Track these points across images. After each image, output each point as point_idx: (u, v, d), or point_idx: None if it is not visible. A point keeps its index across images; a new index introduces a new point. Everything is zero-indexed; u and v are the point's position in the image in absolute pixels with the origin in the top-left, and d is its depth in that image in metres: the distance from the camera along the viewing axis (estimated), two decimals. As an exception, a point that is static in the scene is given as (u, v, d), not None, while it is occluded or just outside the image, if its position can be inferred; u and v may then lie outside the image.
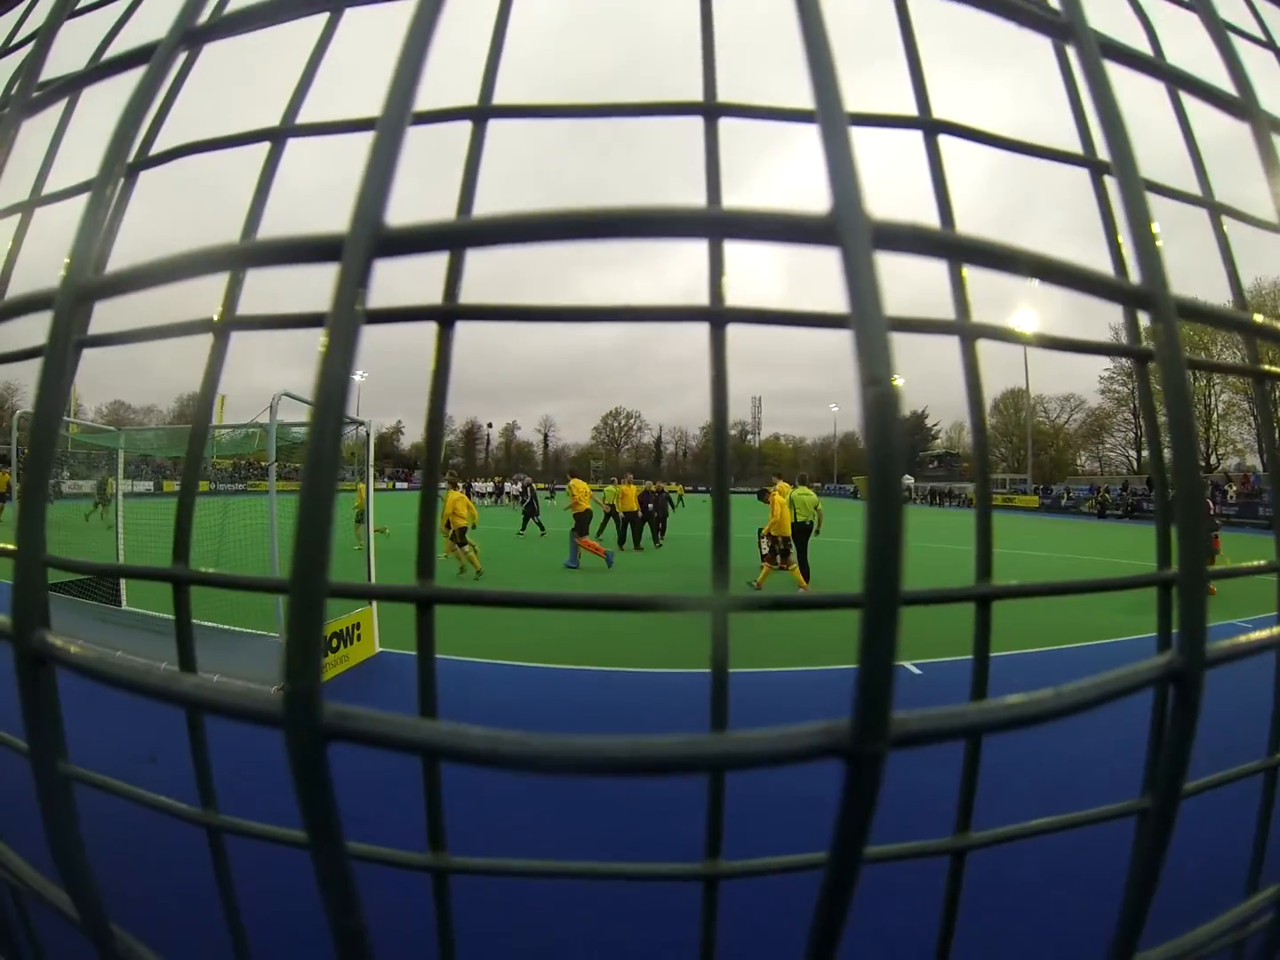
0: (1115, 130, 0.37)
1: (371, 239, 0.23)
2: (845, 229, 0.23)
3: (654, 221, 0.23)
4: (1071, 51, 0.49)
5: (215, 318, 0.44)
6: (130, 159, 0.56)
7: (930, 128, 0.54)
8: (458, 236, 0.23)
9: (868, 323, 0.21)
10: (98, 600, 7.11)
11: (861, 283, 0.22)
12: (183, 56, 0.59)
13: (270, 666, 5.06)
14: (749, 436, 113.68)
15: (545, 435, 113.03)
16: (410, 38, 0.26)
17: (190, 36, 0.41)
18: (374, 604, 5.89)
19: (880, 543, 0.19)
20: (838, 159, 0.24)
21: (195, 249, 0.27)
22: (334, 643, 5.66)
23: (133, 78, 0.44)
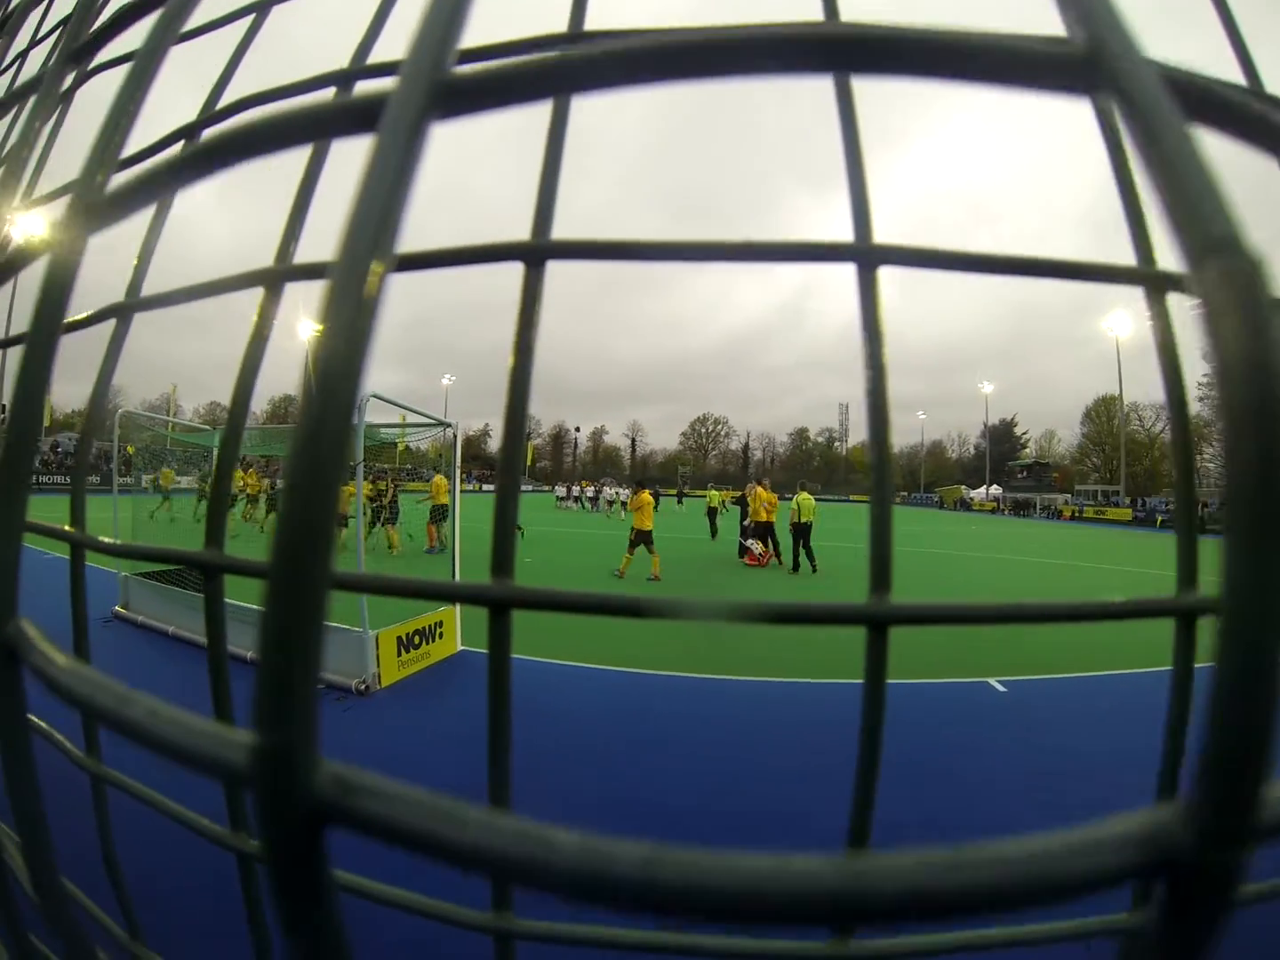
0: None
1: (429, 88, 0.16)
2: (1116, 62, 0.15)
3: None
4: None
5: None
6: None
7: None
8: (551, 78, 0.16)
9: (1184, 164, 0.13)
10: (192, 589, 7.36)
11: (1159, 118, 0.14)
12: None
13: (355, 659, 5.13)
14: (835, 444, 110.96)
15: (633, 440, 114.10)
16: None
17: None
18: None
19: (1250, 520, 0.11)
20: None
21: (207, 138, 0.21)
22: (415, 639, 5.74)
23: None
